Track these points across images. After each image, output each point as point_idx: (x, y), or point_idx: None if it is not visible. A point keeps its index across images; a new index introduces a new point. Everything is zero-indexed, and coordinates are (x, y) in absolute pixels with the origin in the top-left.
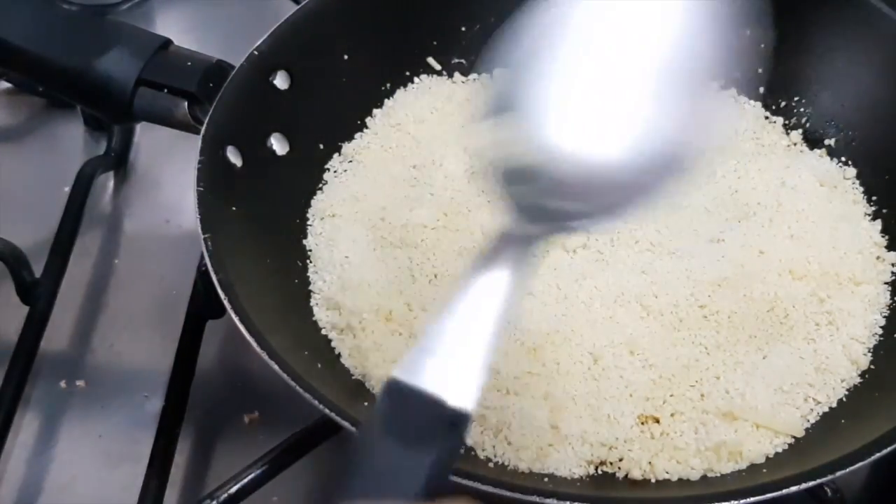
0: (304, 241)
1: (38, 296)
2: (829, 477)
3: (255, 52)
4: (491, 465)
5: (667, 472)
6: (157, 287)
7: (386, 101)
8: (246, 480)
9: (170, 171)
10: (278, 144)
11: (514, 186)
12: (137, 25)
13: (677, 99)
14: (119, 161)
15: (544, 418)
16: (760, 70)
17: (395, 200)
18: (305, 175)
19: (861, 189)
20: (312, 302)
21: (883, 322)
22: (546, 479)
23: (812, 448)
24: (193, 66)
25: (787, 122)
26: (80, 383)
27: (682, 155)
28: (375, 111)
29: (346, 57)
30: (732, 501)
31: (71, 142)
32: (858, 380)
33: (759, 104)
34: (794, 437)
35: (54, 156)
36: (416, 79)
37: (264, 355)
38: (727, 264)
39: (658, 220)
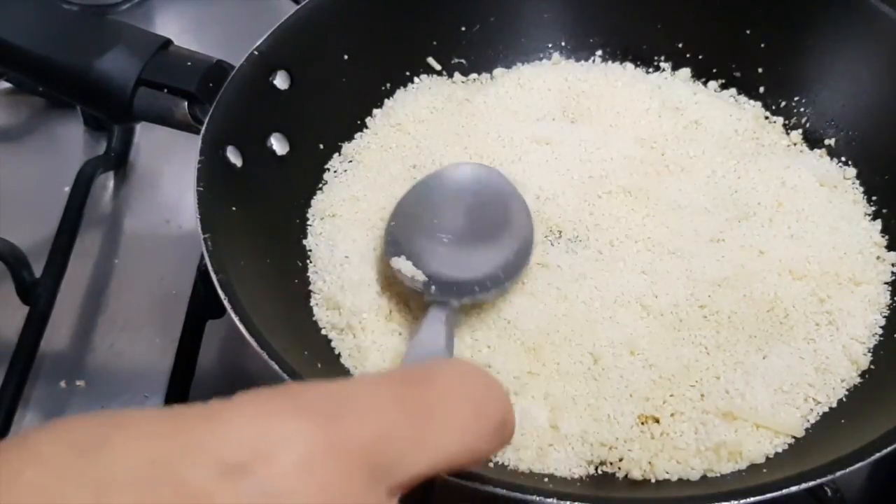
0: (304, 241)
1: (38, 296)
2: (829, 477)
3: (255, 52)
4: (491, 465)
5: (667, 472)
6: (157, 287)
7: (386, 101)
8: None
9: (170, 171)
10: (278, 144)
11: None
12: (137, 25)
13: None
14: (119, 161)
15: (544, 418)
16: (760, 70)
17: (395, 200)
18: (305, 175)
19: (861, 189)
20: (312, 302)
21: (883, 322)
22: (546, 479)
23: (812, 448)
24: (193, 66)
25: (787, 122)
26: (80, 383)
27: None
28: (375, 111)
29: (346, 57)
30: (732, 501)
31: (71, 142)
32: (858, 380)
33: (759, 104)
34: (794, 437)
35: (54, 156)
36: (416, 79)
37: (264, 355)
38: (727, 264)
39: (658, 220)
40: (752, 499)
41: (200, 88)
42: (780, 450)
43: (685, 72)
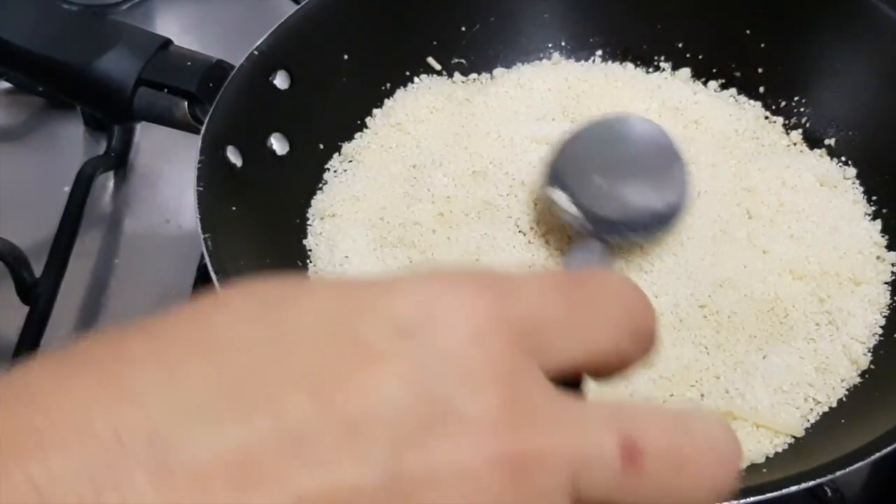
0: (304, 241)
1: (38, 296)
2: (829, 477)
3: (255, 52)
4: None
5: None
6: (157, 287)
7: (386, 101)
8: None
9: (170, 171)
10: (278, 144)
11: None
12: (137, 25)
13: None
14: (119, 161)
15: None
16: (760, 70)
17: (395, 200)
18: (305, 175)
19: (861, 189)
20: None
21: (883, 322)
22: None
23: (812, 448)
24: (193, 66)
25: (787, 122)
26: None
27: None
28: (375, 111)
29: (346, 57)
30: (732, 501)
31: (71, 142)
32: (858, 380)
33: (759, 104)
34: (794, 437)
35: (54, 156)
36: (416, 79)
37: None
38: (727, 264)
39: None
40: (752, 499)
41: (200, 88)
42: (780, 450)
43: (685, 72)
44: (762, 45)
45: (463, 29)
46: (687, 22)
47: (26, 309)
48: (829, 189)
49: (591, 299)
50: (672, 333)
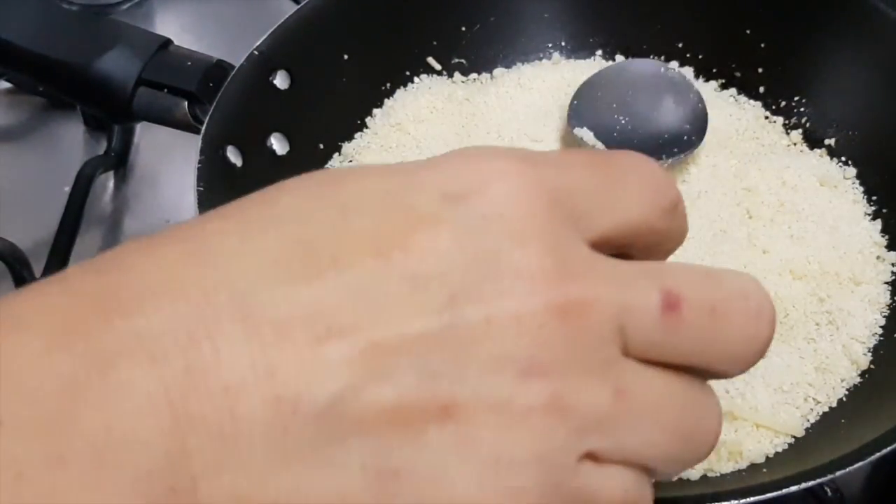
0: None
1: None
2: (829, 477)
3: (255, 52)
4: None
5: None
6: None
7: (386, 100)
8: None
9: (170, 171)
10: (278, 144)
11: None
12: (137, 25)
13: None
14: (119, 161)
15: None
16: (760, 70)
17: None
18: None
19: (861, 189)
20: None
21: (883, 322)
22: None
23: (812, 448)
24: (193, 66)
25: (787, 122)
26: None
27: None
28: (375, 111)
29: (346, 57)
30: (732, 501)
31: (71, 142)
32: (858, 380)
33: (759, 104)
34: (794, 437)
35: (54, 156)
36: (416, 79)
37: None
38: (728, 264)
39: None
40: (752, 499)
41: (200, 88)
42: (780, 450)
43: (685, 72)
44: (762, 45)
45: (463, 29)
46: (687, 22)
47: None
48: (829, 189)
49: (621, 174)
50: None
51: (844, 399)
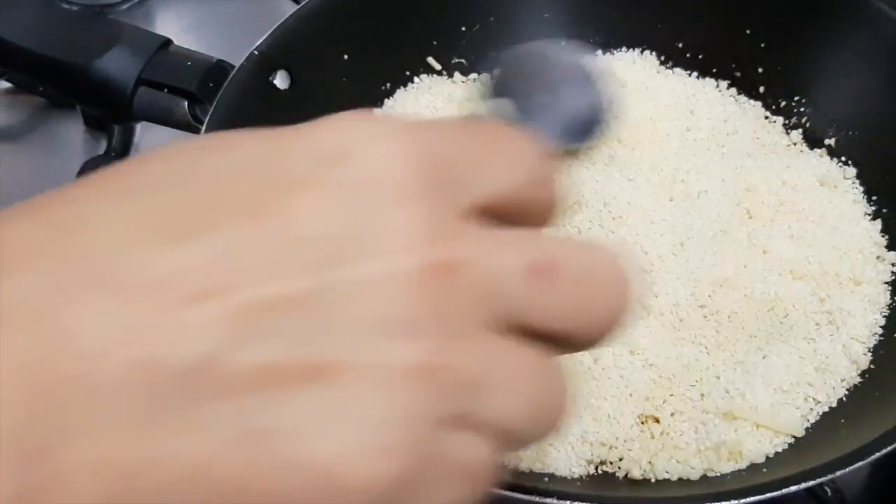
0: None
1: None
2: (829, 477)
3: (255, 52)
4: None
5: (667, 472)
6: None
7: (386, 100)
8: None
9: None
10: None
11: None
12: (137, 25)
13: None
14: (119, 161)
15: None
16: (760, 70)
17: None
18: None
19: (861, 189)
20: None
21: (883, 322)
22: (546, 479)
23: (812, 448)
24: (193, 66)
25: (787, 122)
26: None
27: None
28: (375, 111)
29: (346, 57)
30: (732, 501)
31: (71, 142)
32: (858, 380)
33: (759, 104)
34: (794, 437)
35: (54, 156)
36: (416, 79)
37: None
38: (728, 264)
39: (657, 220)
40: (752, 499)
41: (200, 88)
42: (780, 450)
43: (685, 71)
44: (762, 45)
45: (463, 29)
46: (687, 22)
47: None
48: (829, 189)
49: (495, 144)
50: (672, 333)
51: (844, 399)
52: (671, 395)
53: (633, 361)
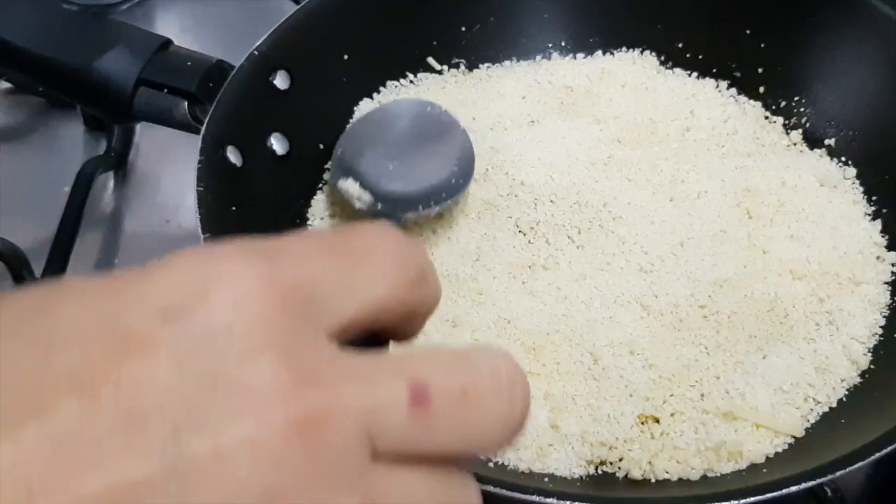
0: None
1: None
2: (829, 477)
3: (255, 52)
4: (491, 465)
5: (667, 472)
6: None
7: (386, 100)
8: None
9: (170, 171)
10: (278, 144)
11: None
12: (137, 25)
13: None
14: (119, 161)
15: (544, 418)
16: (760, 70)
17: None
18: (305, 175)
19: (861, 189)
20: None
21: (883, 322)
22: (546, 479)
23: (812, 448)
24: (193, 66)
25: (787, 122)
26: None
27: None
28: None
29: (345, 57)
30: (732, 501)
31: (71, 142)
32: (858, 380)
33: (759, 104)
34: (794, 437)
35: (54, 156)
36: (415, 79)
37: None
38: (728, 264)
39: (658, 221)
40: (752, 499)
41: (200, 88)
42: (780, 450)
43: (684, 72)
44: (762, 45)
45: (463, 29)
46: (687, 22)
47: None
48: (829, 189)
49: (361, 253)
50: (672, 333)
51: (844, 399)
52: (671, 396)
53: (633, 361)
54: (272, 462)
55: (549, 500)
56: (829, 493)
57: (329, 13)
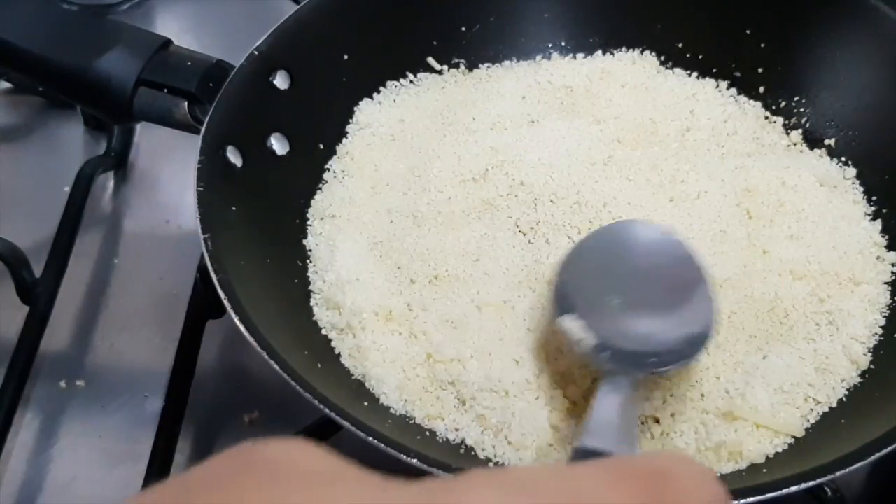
0: (304, 241)
1: (38, 296)
2: (829, 477)
3: (255, 52)
4: (491, 465)
5: None
6: (157, 287)
7: (386, 101)
8: None
9: (170, 171)
10: (278, 144)
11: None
12: (137, 25)
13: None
14: (119, 161)
15: (544, 418)
16: (760, 70)
17: (395, 201)
18: (305, 175)
19: (861, 189)
20: (312, 302)
21: (883, 322)
22: None
23: (812, 448)
24: (193, 66)
25: (787, 122)
26: (80, 383)
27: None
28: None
29: (346, 57)
30: (732, 501)
31: (71, 142)
32: (858, 380)
33: (759, 104)
34: (794, 437)
35: (54, 156)
36: (415, 79)
37: (264, 355)
38: (728, 264)
39: (658, 221)
40: (752, 499)
41: (200, 88)
42: (780, 450)
43: (685, 72)
44: (762, 45)
45: (463, 29)
46: (687, 22)
47: (26, 309)
48: (829, 189)
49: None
50: None
51: (844, 399)
52: (671, 396)
53: None
54: None
55: None
56: (829, 493)
57: (329, 13)
